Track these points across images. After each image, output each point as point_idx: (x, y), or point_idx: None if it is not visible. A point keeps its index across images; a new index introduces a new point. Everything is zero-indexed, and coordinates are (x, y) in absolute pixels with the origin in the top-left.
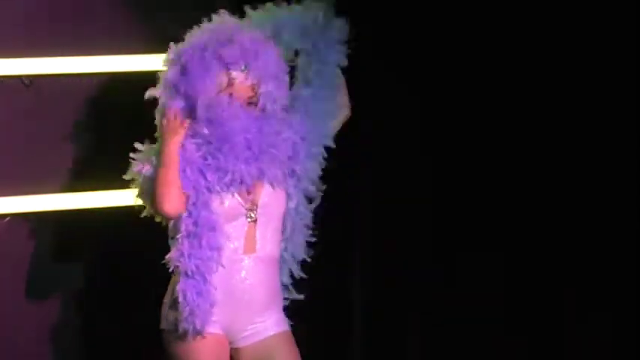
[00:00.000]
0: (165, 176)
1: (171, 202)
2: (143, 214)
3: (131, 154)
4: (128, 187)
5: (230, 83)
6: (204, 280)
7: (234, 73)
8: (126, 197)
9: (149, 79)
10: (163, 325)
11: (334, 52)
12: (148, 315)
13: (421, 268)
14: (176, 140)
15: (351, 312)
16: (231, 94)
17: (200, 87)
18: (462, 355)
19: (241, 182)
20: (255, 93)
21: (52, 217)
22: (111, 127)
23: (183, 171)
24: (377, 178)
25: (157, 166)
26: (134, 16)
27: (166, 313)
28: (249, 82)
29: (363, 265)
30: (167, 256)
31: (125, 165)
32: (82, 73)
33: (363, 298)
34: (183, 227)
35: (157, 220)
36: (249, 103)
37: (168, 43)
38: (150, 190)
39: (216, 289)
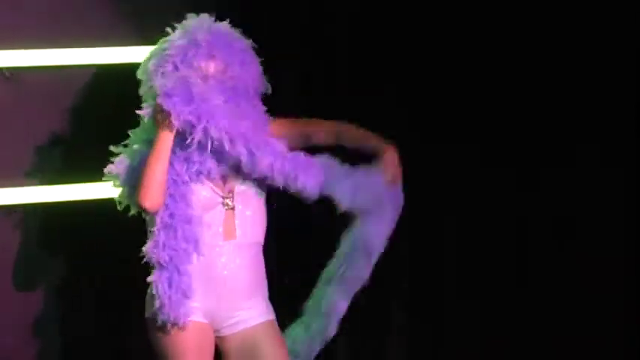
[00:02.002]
0: (152, 170)
1: (152, 199)
2: (121, 208)
3: (111, 154)
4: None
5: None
6: (177, 270)
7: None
8: (109, 189)
9: (134, 71)
10: (148, 314)
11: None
12: (133, 306)
13: None
14: (167, 134)
15: None
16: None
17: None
18: None
19: (209, 173)
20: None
21: (36, 209)
22: (94, 119)
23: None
24: None
25: (148, 158)
26: (118, 7)
27: (150, 303)
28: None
29: None
30: (144, 248)
31: (107, 157)
32: (64, 66)
33: None
34: (159, 219)
35: (132, 213)
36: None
37: (153, 35)
38: (130, 182)
39: (190, 279)
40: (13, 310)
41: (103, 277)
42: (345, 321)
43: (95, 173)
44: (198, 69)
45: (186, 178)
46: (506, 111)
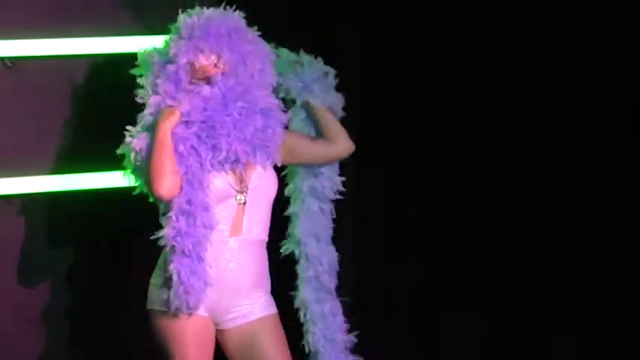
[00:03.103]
0: (159, 160)
1: (166, 187)
2: (136, 192)
3: (127, 127)
4: (114, 169)
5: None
6: (200, 258)
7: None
8: (113, 179)
9: (135, 60)
10: (150, 305)
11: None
12: (136, 297)
13: None
14: (169, 123)
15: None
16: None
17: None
18: None
19: (236, 161)
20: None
21: (36, 199)
22: (95, 108)
23: (177, 149)
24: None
25: (152, 149)
26: None
27: (155, 294)
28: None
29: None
30: (161, 233)
31: (109, 147)
32: (65, 55)
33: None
34: (176, 205)
35: (150, 200)
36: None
37: (154, 24)
38: (142, 167)
39: (211, 267)
40: (15, 300)
41: (105, 267)
42: None
43: (97, 163)
44: (202, 64)
45: (209, 165)
46: (505, 110)
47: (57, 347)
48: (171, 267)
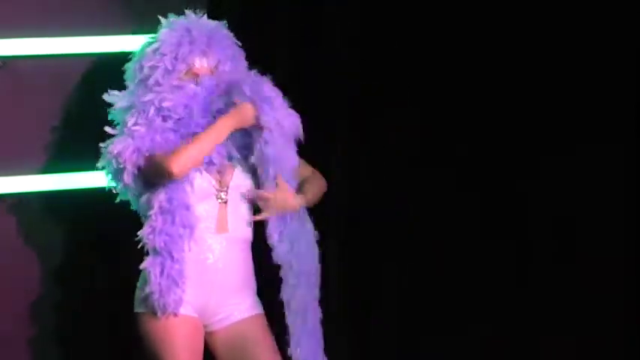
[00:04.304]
0: (203, 146)
1: (182, 167)
2: (116, 200)
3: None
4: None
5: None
6: (171, 257)
7: (197, 62)
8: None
9: (126, 59)
10: (136, 308)
11: None
12: (124, 298)
13: None
14: (232, 124)
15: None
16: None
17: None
18: None
19: (210, 163)
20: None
21: (29, 198)
22: (88, 108)
23: (154, 139)
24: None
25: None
26: None
27: (138, 295)
28: (208, 66)
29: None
30: (139, 232)
31: (99, 146)
32: (58, 54)
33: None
34: (156, 204)
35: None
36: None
37: (145, 24)
38: (121, 171)
39: (182, 266)
40: (12, 298)
41: (97, 267)
42: None
43: (90, 162)
44: (191, 65)
45: None
46: (505, 110)
47: (49, 347)
48: (143, 265)
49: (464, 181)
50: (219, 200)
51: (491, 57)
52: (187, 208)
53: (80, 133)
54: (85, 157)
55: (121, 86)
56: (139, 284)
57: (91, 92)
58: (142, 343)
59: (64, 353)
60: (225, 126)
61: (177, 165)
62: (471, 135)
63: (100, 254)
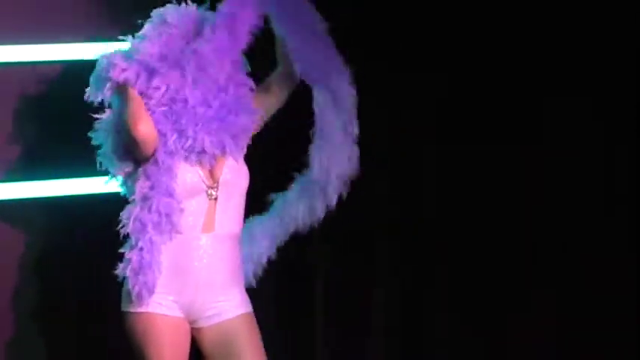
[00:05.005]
0: (134, 107)
1: (145, 126)
2: (107, 181)
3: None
4: (86, 176)
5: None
6: (137, 243)
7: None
8: (84, 185)
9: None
10: (123, 307)
11: None
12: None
13: None
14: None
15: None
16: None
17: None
18: None
19: (202, 152)
20: None
21: (6, 206)
22: (66, 115)
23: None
24: None
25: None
26: (90, 3)
27: (124, 292)
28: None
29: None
30: (120, 214)
31: (78, 154)
32: (37, 62)
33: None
34: (139, 189)
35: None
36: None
37: (125, 30)
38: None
39: (153, 254)
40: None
41: (84, 273)
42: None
43: (68, 169)
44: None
45: (173, 147)
46: (504, 111)
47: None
48: (121, 249)
49: (466, 181)
50: (210, 197)
51: (491, 58)
52: (168, 195)
53: (57, 141)
54: (65, 164)
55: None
56: (125, 282)
57: (70, 100)
58: (128, 342)
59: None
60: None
61: (142, 125)
62: (472, 135)
63: (80, 260)
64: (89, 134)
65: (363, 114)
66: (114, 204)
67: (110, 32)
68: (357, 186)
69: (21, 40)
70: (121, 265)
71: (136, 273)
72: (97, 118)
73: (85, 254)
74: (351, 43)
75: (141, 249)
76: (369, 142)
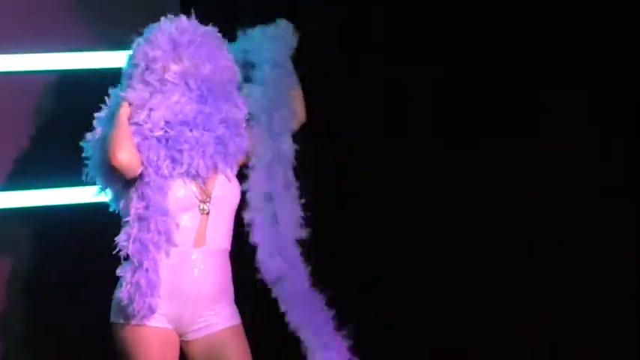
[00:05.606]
0: (119, 131)
1: (126, 153)
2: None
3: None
4: (78, 185)
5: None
6: (141, 266)
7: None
8: (75, 195)
9: (101, 76)
10: (112, 318)
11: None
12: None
13: None
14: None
15: None
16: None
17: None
18: None
19: (196, 175)
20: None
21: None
22: (61, 125)
23: (138, 145)
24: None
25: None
26: (84, 12)
27: (114, 305)
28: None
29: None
30: (116, 238)
31: (72, 163)
32: (31, 71)
33: None
34: (133, 210)
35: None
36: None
37: (121, 41)
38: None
39: (155, 274)
40: None
41: (72, 281)
42: None
43: (62, 179)
44: (166, 70)
45: (166, 172)
46: (505, 111)
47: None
48: (118, 271)
49: (463, 179)
50: (202, 212)
51: (491, 58)
52: (164, 214)
53: (48, 150)
54: (57, 174)
55: (96, 103)
56: (115, 294)
57: (66, 109)
58: (117, 354)
59: None
60: (121, 113)
61: (122, 152)
62: (471, 135)
63: (70, 270)
64: (81, 143)
65: (358, 107)
66: (102, 215)
67: (105, 42)
68: (352, 179)
69: (11, 49)
70: (125, 289)
71: (144, 295)
72: (90, 129)
73: (74, 263)
74: (346, 38)
75: (147, 270)
76: (364, 136)
